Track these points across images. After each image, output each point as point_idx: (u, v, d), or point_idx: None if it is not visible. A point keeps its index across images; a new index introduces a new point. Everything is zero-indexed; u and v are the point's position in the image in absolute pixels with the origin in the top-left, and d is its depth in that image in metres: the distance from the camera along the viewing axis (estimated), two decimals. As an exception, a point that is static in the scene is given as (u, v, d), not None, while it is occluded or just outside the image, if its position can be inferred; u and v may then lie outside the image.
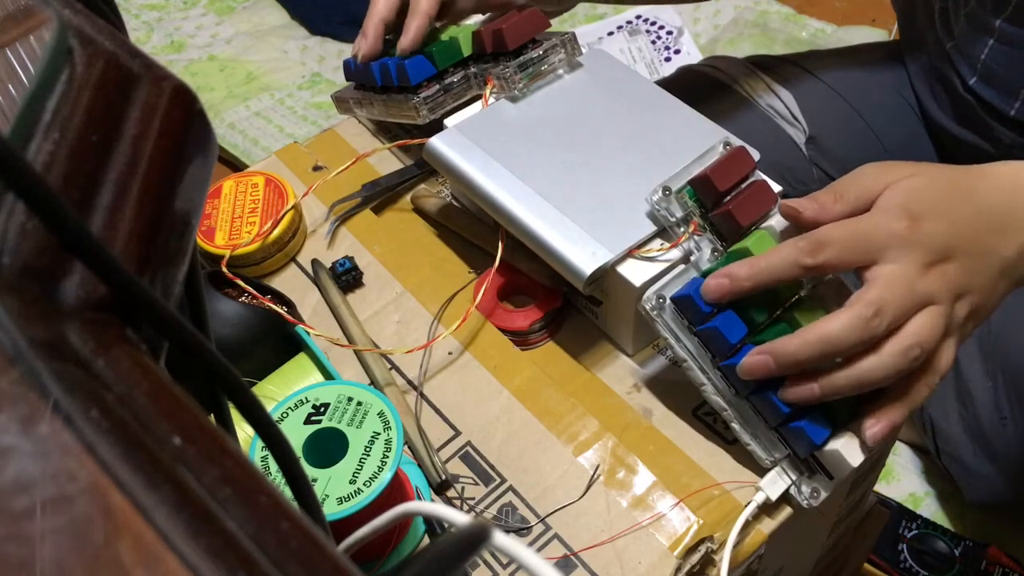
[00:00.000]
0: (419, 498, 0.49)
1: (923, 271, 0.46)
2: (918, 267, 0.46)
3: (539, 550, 0.49)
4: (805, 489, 0.49)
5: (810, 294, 0.50)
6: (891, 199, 0.47)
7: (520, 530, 0.50)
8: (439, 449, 0.53)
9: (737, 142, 0.55)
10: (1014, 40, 0.76)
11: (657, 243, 0.53)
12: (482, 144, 0.58)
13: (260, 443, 0.43)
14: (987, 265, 0.48)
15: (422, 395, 0.56)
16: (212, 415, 0.29)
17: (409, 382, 0.57)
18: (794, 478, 0.49)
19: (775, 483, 0.49)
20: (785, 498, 0.50)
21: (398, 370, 0.57)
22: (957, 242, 0.47)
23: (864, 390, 0.46)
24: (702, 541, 0.48)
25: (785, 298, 0.50)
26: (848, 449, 0.48)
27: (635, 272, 0.52)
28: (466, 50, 0.64)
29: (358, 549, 0.36)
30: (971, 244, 0.47)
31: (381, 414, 0.45)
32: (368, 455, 0.44)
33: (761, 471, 0.50)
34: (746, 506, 0.49)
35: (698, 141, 0.56)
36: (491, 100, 0.61)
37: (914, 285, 0.45)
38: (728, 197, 0.52)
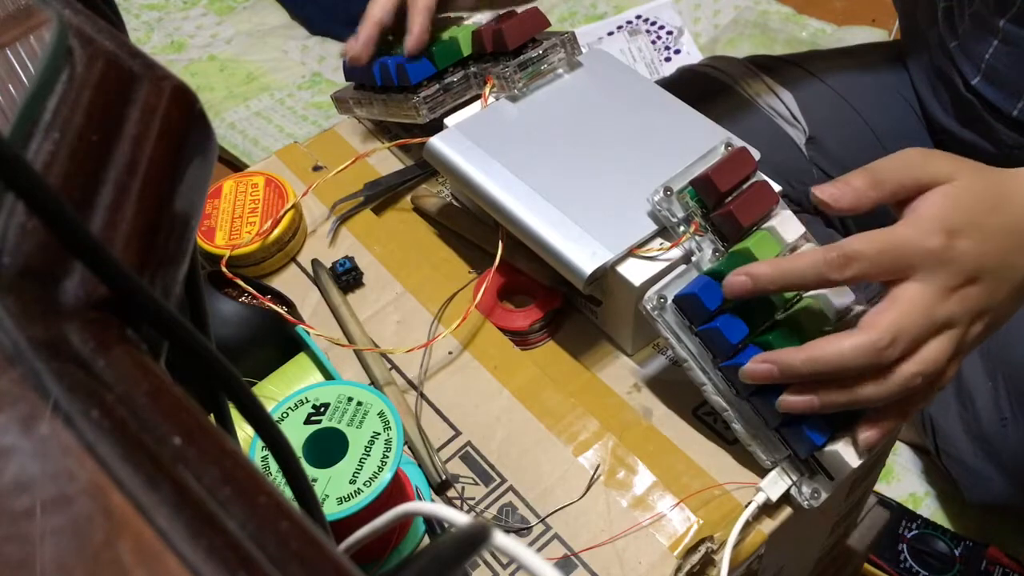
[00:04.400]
0: (419, 498, 0.49)
1: (947, 294, 0.45)
2: (944, 290, 0.44)
3: (539, 550, 0.49)
4: (806, 490, 0.49)
5: (813, 295, 0.51)
6: (927, 210, 0.45)
7: (520, 530, 0.50)
8: (439, 449, 0.53)
9: (738, 143, 0.55)
10: (1017, 40, 0.76)
11: (657, 243, 0.53)
12: (482, 144, 0.58)
13: (260, 443, 0.43)
14: (1008, 285, 0.47)
15: (422, 395, 0.56)
16: (212, 415, 0.29)
17: (409, 382, 0.56)
18: (794, 479, 0.49)
19: (775, 484, 0.49)
20: (785, 498, 0.50)
21: (398, 370, 0.57)
22: (986, 261, 0.46)
23: (861, 407, 0.46)
24: (702, 541, 0.48)
25: (787, 299, 0.50)
26: (848, 450, 0.48)
27: (635, 272, 0.52)
28: (466, 50, 0.64)
29: (358, 549, 0.36)
30: (997, 263, 0.46)
31: (381, 414, 0.45)
32: (368, 455, 0.44)
33: (761, 471, 0.50)
34: (746, 506, 0.49)
35: (698, 141, 0.56)
36: (490, 99, 0.61)
37: (935, 311, 0.44)
38: (729, 198, 0.52)
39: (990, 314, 0.47)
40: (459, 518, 0.31)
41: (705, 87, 0.92)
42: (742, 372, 0.47)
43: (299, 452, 0.45)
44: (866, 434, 0.47)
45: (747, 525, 0.48)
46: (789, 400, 0.46)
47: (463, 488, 0.52)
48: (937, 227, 0.45)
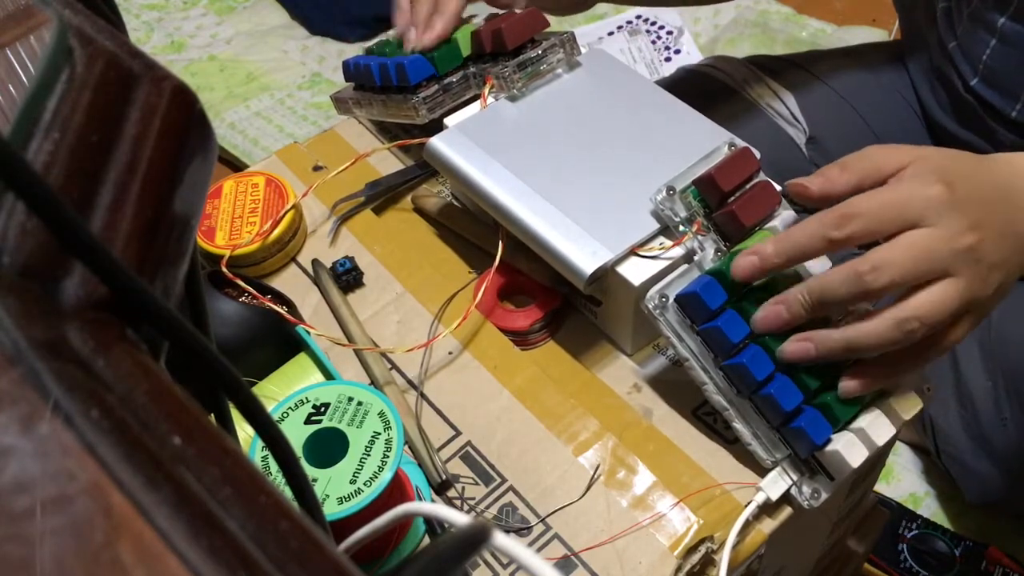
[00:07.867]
0: (419, 498, 0.49)
1: (951, 238, 0.44)
2: (948, 233, 0.44)
3: (539, 550, 0.49)
4: (806, 490, 0.49)
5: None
6: (920, 168, 0.46)
7: (520, 530, 0.50)
8: (439, 449, 0.53)
9: (741, 143, 0.55)
10: (1016, 40, 0.76)
11: (658, 242, 0.53)
12: (482, 144, 0.58)
13: (260, 443, 0.43)
14: (1011, 240, 0.47)
15: (422, 395, 0.56)
16: (212, 415, 0.29)
17: (409, 382, 0.56)
18: (795, 478, 0.49)
19: (776, 483, 0.49)
20: (785, 498, 0.50)
21: (398, 370, 0.57)
22: (987, 215, 0.45)
23: (857, 354, 0.46)
24: (702, 541, 0.48)
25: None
26: (849, 450, 0.48)
27: (634, 272, 0.52)
28: (465, 50, 0.64)
29: (358, 549, 0.36)
30: (998, 217, 0.46)
31: (381, 414, 0.45)
32: (368, 455, 0.44)
33: (761, 471, 0.50)
34: (746, 506, 0.49)
35: (698, 141, 0.56)
36: (490, 99, 0.61)
37: (934, 252, 0.44)
38: (732, 197, 0.52)
39: (1000, 271, 0.46)
40: (459, 518, 0.32)
41: (705, 87, 0.92)
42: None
43: (299, 452, 0.45)
44: (849, 382, 0.47)
45: (747, 525, 0.48)
46: (788, 348, 0.47)
47: (463, 488, 0.52)
48: (935, 178, 0.45)
